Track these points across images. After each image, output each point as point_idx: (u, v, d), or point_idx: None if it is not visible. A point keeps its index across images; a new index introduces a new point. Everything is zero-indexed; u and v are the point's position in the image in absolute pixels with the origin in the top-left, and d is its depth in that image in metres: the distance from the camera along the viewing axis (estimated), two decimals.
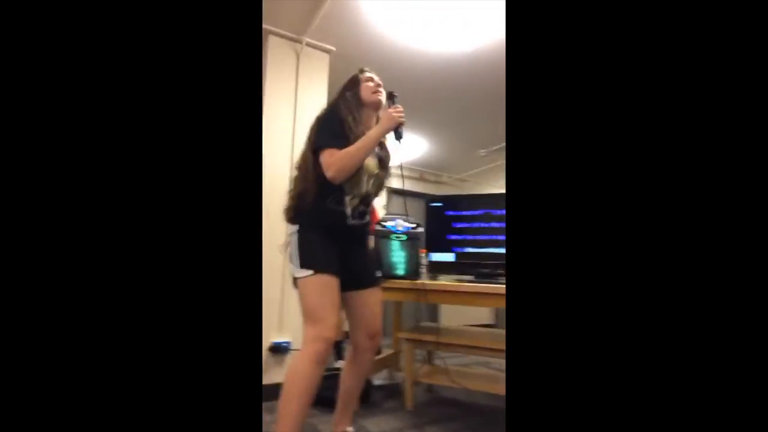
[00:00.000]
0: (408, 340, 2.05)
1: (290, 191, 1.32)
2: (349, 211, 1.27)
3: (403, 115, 1.28)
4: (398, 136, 1.31)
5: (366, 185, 1.30)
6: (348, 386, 1.41)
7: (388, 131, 1.28)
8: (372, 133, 1.24)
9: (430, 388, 2.34)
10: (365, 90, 1.35)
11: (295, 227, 1.26)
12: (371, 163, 1.31)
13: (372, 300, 1.37)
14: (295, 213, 1.29)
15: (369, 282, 1.37)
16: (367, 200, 1.32)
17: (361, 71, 1.40)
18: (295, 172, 1.33)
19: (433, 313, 4.88)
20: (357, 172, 1.25)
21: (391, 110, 1.28)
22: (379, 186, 1.37)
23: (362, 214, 1.31)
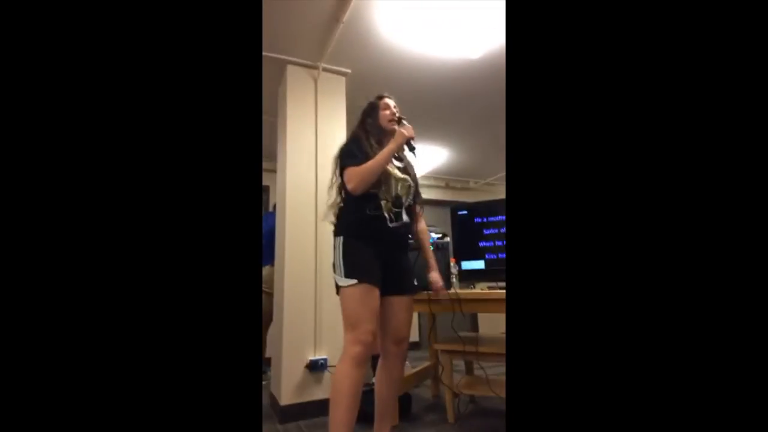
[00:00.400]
0: (444, 351, 2.03)
1: (333, 210, 1.47)
2: (386, 214, 1.38)
3: (411, 130, 1.44)
4: (411, 148, 1.48)
5: (395, 188, 1.41)
6: (383, 396, 1.45)
7: (400, 145, 1.43)
8: (386, 149, 1.39)
9: (472, 399, 2.30)
10: (383, 118, 1.50)
11: (339, 238, 1.38)
12: (394, 171, 1.43)
13: (402, 307, 1.44)
14: (339, 225, 1.43)
15: (401, 289, 1.44)
16: (399, 203, 1.42)
17: (380, 98, 1.54)
18: (333, 194, 1.48)
19: (473, 322, 4.79)
20: (386, 179, 1.39)
21: (400, 128, 1.44)
22: (408, 189, 1.46)
23: (398, 215, 1.41)
